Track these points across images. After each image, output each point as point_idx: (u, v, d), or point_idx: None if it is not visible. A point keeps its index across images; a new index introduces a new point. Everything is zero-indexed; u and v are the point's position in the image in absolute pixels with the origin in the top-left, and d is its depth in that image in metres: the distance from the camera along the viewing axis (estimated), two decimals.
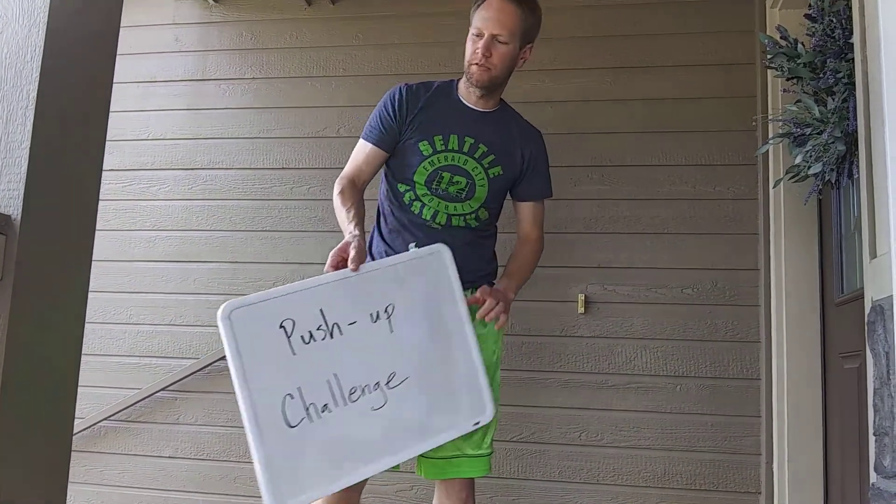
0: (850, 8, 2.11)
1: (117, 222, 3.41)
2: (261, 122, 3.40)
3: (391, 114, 2.23)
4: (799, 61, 2.44)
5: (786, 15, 2.78)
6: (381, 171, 2.31)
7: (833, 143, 2.27)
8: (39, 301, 1.40)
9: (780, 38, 2.52)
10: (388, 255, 2.16)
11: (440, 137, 2.22)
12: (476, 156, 2.23)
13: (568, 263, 3.06)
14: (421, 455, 2.07)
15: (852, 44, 2.10)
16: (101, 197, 1.64)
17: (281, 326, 1.69)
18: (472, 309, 2.04)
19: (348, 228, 2.04)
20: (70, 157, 1.50)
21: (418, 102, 2.24)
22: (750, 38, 3.04)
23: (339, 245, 1.94)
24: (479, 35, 2.18)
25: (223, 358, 3.13)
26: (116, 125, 3.17)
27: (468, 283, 2.11)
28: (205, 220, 3.36)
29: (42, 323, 1.42)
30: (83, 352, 1.56)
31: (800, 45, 2.47)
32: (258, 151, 3.38)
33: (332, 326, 1.73)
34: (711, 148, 3.03)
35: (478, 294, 2.06)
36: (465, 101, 2.27)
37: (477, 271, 2.24)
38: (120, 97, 3.26)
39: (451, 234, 2.19)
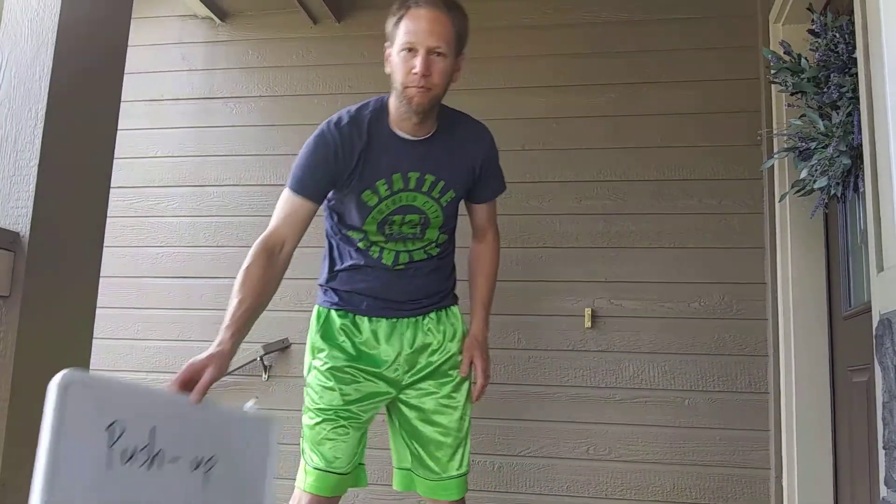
0: (854, 23, 2.12)
1: (125, 239, 3.43)
2: (267, 139, 3.42)
3: (325, 163, 1.98)
4: (803, 76, 2.44)
5: (789, 30, 2.79)
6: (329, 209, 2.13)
7: (838, 156, 2.27)
8: (47, 317, 1.41)
9: (784, 53, 2.52)
10: (342, 299, 2.07)
11: (383, 182, 1.98)
12: (424, 189, 2.02)
13: (575, 278, 3.06)
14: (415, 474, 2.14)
15: (856, 58, 2.10)
16: (108, 214, 1.66)
17: (108, 428, 1.30)
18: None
19: (220, 335, 1.71)
20: (78, 174, 1.51)
21: (354, 149, 1.97)
22: (753, 53, 3.05)
23: (198, 360, 1.66)
24: (412, 50, 1.89)
25: (230, 373, 3.15)
26: (124, 143, 3.16)
27: (432, 306, 2.11)
28: (212, 237, 3.38)
29: (50, 339, 1.43)
30: (91, 367, 1.57)
31: (803, 60, 2.47)
32: (265, 168, 3.39)
33: (157, 454, 1.38)
34: (717, 163, 3.03)
35: (466, 368, 2.11)
36: (399, 134, 2.00)
37: (438, 293, 2.14)
38: (128, 115, 3.27)
39: (416, 270, 2.10)
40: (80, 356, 1.53)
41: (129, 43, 1.68)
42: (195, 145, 3.49)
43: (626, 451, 2.92)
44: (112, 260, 3.30)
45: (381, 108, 2.03)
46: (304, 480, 2.02)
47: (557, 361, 3.01)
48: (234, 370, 3.16)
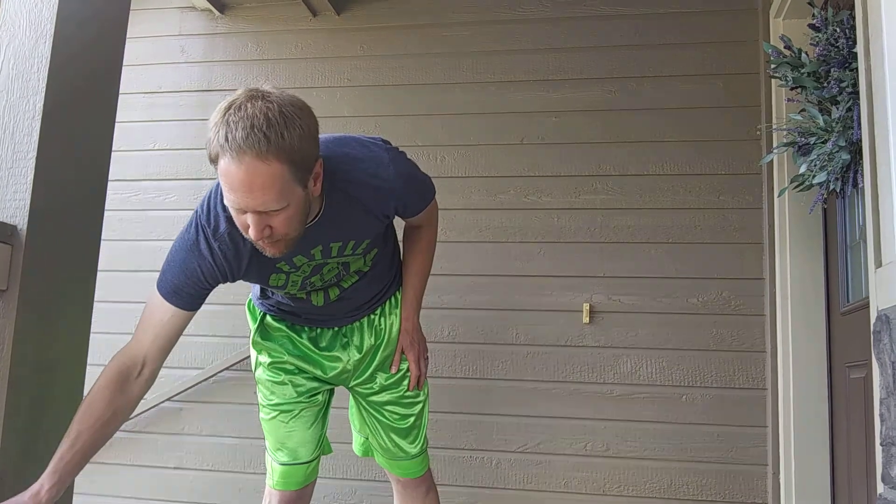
0: (854, 18, 2.12)
1: (123, 232, 3.42)
2: None
3: (207, 279, 1.71)
4: (803, 71, 2.44)
5: (789, 25, 2.78)
6: None
7: (837, 152, 2.26)
8: (45, 311, 1.41)
9: (784, 47, 2.52)
10: (279, 312, 1.95)
11: (284, 264, 1.73)
12: (334, 255, 1.78)
13: (573, 273, 3.05)
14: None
15: (856, 53, 2.10)
16: (107, 207, 1.65)
17: None
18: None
19: (40, 480, 1.38)
20: (77, 167, 1.51)
21: (241, 260, 1.69)
22: (754, 48, 3.04)
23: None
24: (239, 212, 1.50)
25: (228, 368, 3.15)
26: (122, 135, 3.17)
27: (377, 304, 1.99)
28: None
29: (48, 332, 1.42)
30: (88, 362, 1.57)
31: (804, 55, 2.47)
32: None
33: None
34: (716, 157, 3.03)
35: (396, 364, 1.99)
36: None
37: (384, 292, 2.01)
38: (126, 107, 3.27)
39: (353, 292, 1.92)
40: (77, 350, 1.53)
41: (128, 35, 1.67)
42: (193, 138, 3.48)
43: (624, 447, 2.92)
44: (110, 253, 3.29)
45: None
46: (272, 478, 2.02)
47: (555, 357, 3.01)
48: (233, 366, 3.16)
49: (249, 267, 1.70)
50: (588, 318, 3.00)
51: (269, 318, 1.99)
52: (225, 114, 1.46)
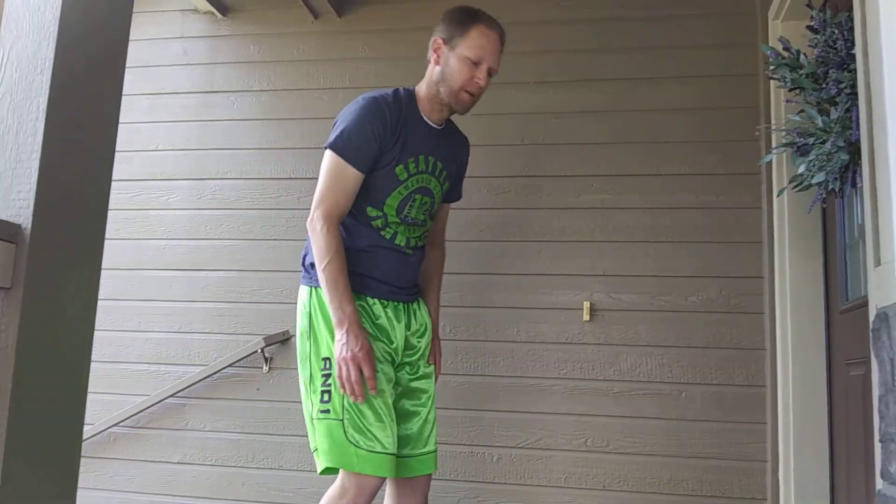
0: (853, 19, 2.13)
1: (127, 231, 3.45)
2: (268, 133, 3.44)
3: (377, 135, 2.12)
4: (801, 72, 2.45)
5: (788, 26, 2.79)
6: None
7: (836, 152, 2.28)
8: (49, 309, 1.42)
9: (783, 49, 2.53)
10: (355, 283, 2.13)
11: (413, 160, 2.20)
12: (436, 174, 2.27)
13: (573, 272, 3.07)
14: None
15: (854, 54, 2.11)
16: (110, 207, 1.67)
17: None
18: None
19: (347, 313, 2.02)
20: (80, 167, 1.53)
21: (397, 123, 2.16)
22: (752, 49, 3.05)
23: (349, 353, 1.99)
24: (478, 63, 2.18)
25: (232, 365, 3.18)
26: (126, 136, 3.20)
27: (417, 294, 2.32)
28: (213, 230, 3.40)
29: (52, 331, 1.44)
30: (93, 359, 1.59)
31: (802, 56, 2.48)
32: (266, 162, 3.41)
33: None
34: (715, 158, 3.04)
35: (434, 358, 2.32)
36: (427, 120, 2.26)
37: (418, 283, 2.35)
38: (129, 109, 3.30)
39: (417, 258, 2.31)
40: (81, 347, 1.54)
41: (131, 37, 1.69)
42: (196, 139, 3.51)
43: (624, 444, 2.94)
44: (114, 252, 3.32)
45: (411, 95, 2.25)
46: (357, 463, 2.01)
47: (556, 354, 3.03)
48: (236, 362, 3.18)
49: (398, 139, 2.14)
50: (588, 316, 3.02)
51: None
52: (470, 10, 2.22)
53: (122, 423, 3.26)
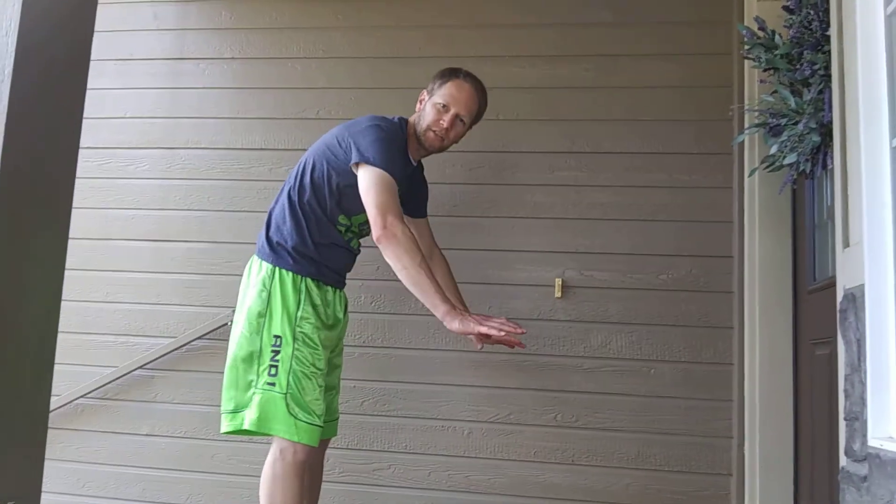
0: (828, 1, 2.14)
1: (95, 200, 3.39)
2: (239, 102, 3.39)
3: (401, 159, 2.47)
4: (776, 52, 2.46)
5: (763, 6, 2.80)
6: (318, 179, 2.46)
7: (808, 133, 2.30)
8: (16, 278, 1.40)
9: (758, 29, 2.54)
10: (318, 271, 2.43)
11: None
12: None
13: (546, 248, 3.08)
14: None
15: (829, 36, 2.13)
16: (78, 175, 1.64)
17: None
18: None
19: (451, 306, 2.32)
20: (46, 133, 1.49)
21: (402, 149, 2.52)
22: (728, 28, 3.06)
23: (479, 317, 2.31)
24: (445, 108, 2.49)
25: (200, 337, 3.15)
26: (94, 103, 3.13)
27: (344, 284, 2.61)
28: (183, 200, 3.35)
29: (18, 300, 1.42)
30: (59, 330, 1.56)
31: (777, 37, 2.49)
32: (237, 132, 3.36)
33: None
34: (688, 137, 3.05)
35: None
36: (410, 156, 2.58)
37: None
38: (97, 74, 3.23)
39: (356, 253, 2.65)
40: (48, 318, 1.52)
41: (100, 0, 1.65)
42: (166, 107, 3.44)
43: (593, 419, 2.97)
44: (81, 222, 3.27)
45: (404, 131, 2.55)
46: (301, 435, 2.26)
47: (527, 330, 3.03)
48: (206, 335, 3.16)
49: (402, 162, 2.48)
50: (560, 293, 3.03)
51: (309, 281, 2.40)
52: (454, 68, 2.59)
53: (89, 395, 3.22)
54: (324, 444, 2.56)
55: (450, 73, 2.54)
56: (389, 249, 2.27)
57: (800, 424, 2.70)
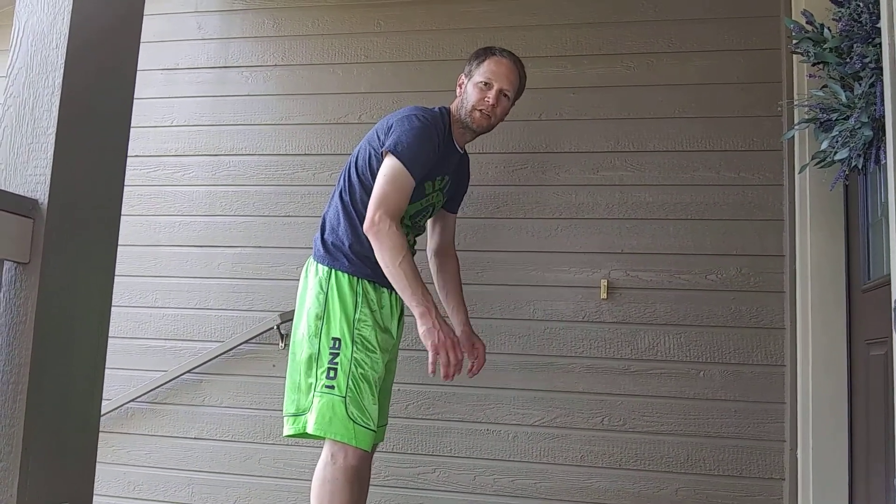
0: None
1: (142, 208, 3.45)
2: (283, 108, 3.42)
3: (430, 155, 2.38)
4: (825, 46, 2.41)
5: (812, 0, 2.74)
6: (363, 174, 2.45)
7: (860, 128, 2.24)
8: (66, 284, 1.42)
9: (806, 22, 2.49)
10: (374, 272, 2.37)
11: (439, 178, 2.49)
12: (444, 190, 2.57)
13: (591, 249, 3.05)
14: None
15: (879, 28, 2.07)
16: (126, 183, 1.67)
17: None
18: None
19: (431, 303, 2.27)
20: (96, 143, 1.52)
21: (440, 145, 2.43)
22: (775, 22, 3.00)
23: (449, 341, 2.23)
24: (488, 86, 2.46)
25: (248, 341, 3.19)
26: (141, 112, 3.19)
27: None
28: (229, 206, 3.39)
29: (69, 306, 1.44)
30: (109, 334, 1.59)
31: (826, 30, 2.43)
32: (281, 138, 3.40)
33: None
34: (736, 134, 3.00)
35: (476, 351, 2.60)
36: (455, 144, 2.54)
37: None
38: (144, 84, 3.29)
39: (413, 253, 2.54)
40: (99, 323, 1.54)
41: (145, 12, 1.68)
42: (211, 115, 3.50)
43: (641, 422, 2.93)
44: (130, 228, 3.33)
45: (446, 119, 2.50)
46: (354, 437, 2.25)
47: (573, 332, 3.02)
48: (252, 339, 3.19)
49: (440, 153, 2.42)
50: (606, 294, 3.00)
51: (366, 283, 2.39)
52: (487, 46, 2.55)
53: (139, 399, 3.28)
54: (374, 449, 2.55)
55: (485, 52, 2.52)
56: (374, 244, 2.27)
57: (854, 427, 2.63)
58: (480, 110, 2.46)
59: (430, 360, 2.24)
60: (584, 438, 2.96)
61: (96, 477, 1.56)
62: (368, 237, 2.28)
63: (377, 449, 2.64)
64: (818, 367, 2.71)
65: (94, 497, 1.53)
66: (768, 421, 2.85)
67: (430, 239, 2.73)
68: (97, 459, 1.57)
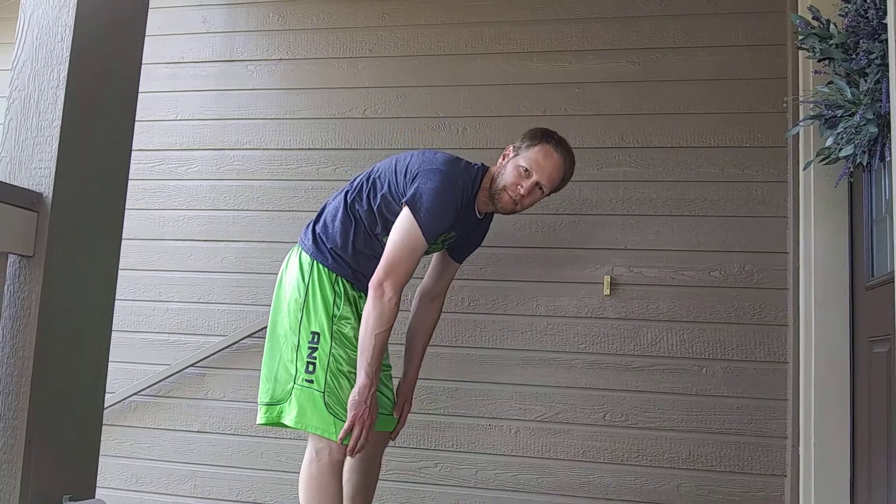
0: None
1: (146, 201, 3.45)
2: (287, 102, 3.42)
3: (450, 221, 2.32)
4: (831, 42, 2.40)
5: None
6: (373, 199, 2.40)
7: (865, 125, 2.23)
8: (71, 277, 1.43)
9: (812, 18, 2.48)
10: (354, 276, 2.40)
11: (449, 235, 2.42)
12: (446, 241, 2.50)
13: (594, 245, 3.05)
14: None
15: (886, 24, 2.06)
16: (130, 176, 1.67)
17: None
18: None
19: (377, 378, 2.28)
20: (100, 136, 1.52)
21: (462, 208, 2.35)
22: (781, 18, 2.99)
23: (371, 419, 2.24)
24: (528, 173, 2.35)
25: (251, 335, 3.19)
26: (145, 105, 3.19)
27: None
28: (232, 200, 3.40)
29: (73, 299, 1.45)
30: (113, 328, 1.59)
31: (832, 26, 2.43)
32: (285, 132, 3.40)
33: None
34: (741, 130, 2.99)
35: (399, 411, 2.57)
36: (476, 210, 2.46)
37: None
38: (148, 78, 3.29)
39: None
40: (103, 316, 1.55)
41: (150, 5, 1.68)
42: (215, 109, 3.50)
43: (643, 418, 2.93)
44: (134, 222, 3.34)
45: (477, 182, 2.41)
46: (335, 432, 2.25)
47: (575, 328, 3.02)
48: (255, 333, 3.20)
49: (455, 218, 2.33)
50: (609, 291, 3.00)
51: (346, 284, 2.39)
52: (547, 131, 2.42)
53: (142, 392, 3.29)
54: (382, 438, 2.55)
55: (542, 136, 2.39)
56: (370, 302, 2.25)
57: (857, 425, 2.63)
58: (510, 194, 2.36)
59: (345, 426, 2.22)
60: (586, 434, 2.96)
61: (99, 469, 1.56)
62: (370, 291, 2.26)
63: (388, 443, 2.63)
64: (821, 364, 2.71)
65: (97, 489, 1.53)
66: (770, 418, 2.85)
67: (426, 278, 2.65)
68: (100, 452, 1.57)
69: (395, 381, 2.63)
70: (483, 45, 3.25)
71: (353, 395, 2.23)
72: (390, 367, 2.61)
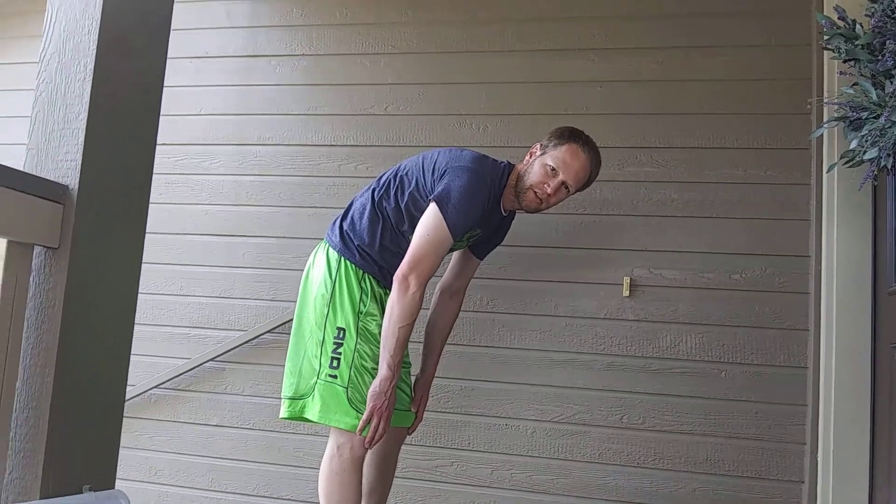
0: None
1: (170, 196, 3.48)
2: (310, 98, 3.43)
3: (476, 218, 2.34)
4: (857, 43, 2.37)
5: None
6: (400, 197, 2.42)
7: (890, 127, 2.21)
8: (95, 270, 1.44)
9: (838, 18, 2.45)
10: (381, 272, 2.43)
11: (473, 232, 2.44)
12: (471, 238, 2.51)
13: (614, 246, 3.03)
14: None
15: None
16: (154, 171, 1.68)
17: None
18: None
19: (398, 372, 2.30)
20: (125, 129, 1.53)
21: (487, 207, 2.38)
22: (806, 18, 2.96)
23: (388, 411, 2.25)
24: (555, 172, 2.38)
25: (271, 330, 3.21)
26: (169, 100, 3.19)
27: None
28: (255, 196, 3.41)
29: (97, 291, 1.46)
30: (136, 322, 1.61)
31: (858, 26, 2.40)
32: (307, 128, 3.41)
33: None
34: (764, 131, 2.97)
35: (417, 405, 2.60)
36: (501, 206, 2.49)
37: None
38: (173, 72, 3.30)
39: None
40: (126, 309, 1.56)
41: (175, 0, 1.69)
42: (238, 104, 3.52)
43: (661, 421, 2.92)
44: (157, 216, 3.33)
45: (504, 179, 2.44)
46: (355, 426, 2.27)
47: (594, 329, 3.01)
48: (275, 328, 3.21)
49: (481, 215, 2.36)
50: (628, 292, 2.99)
51: (372, 281, 2.42)
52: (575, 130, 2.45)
53: (162, 385, 3.31)
54: (400, 434, 2.57)
55: (569, 135, 2.42)
56: (395, 294, 2.26)
57: (877, 432, 2.60)
58: (536, 192, 2.39)
59: (364, 417, 2.24)
60: (603, 436, 2.95)
61: (119, 461, 1.58)
62: (394, 284, 2.27)
63: (405, 439, 2.64)
64: (842, 369, 2.68)
65: (116, 481, 1.55)
66: (789, 423, 2.83)
67: (446, 273, 2.67)
68: (120, 444, 1.59)
69: (414, 380, 2.64)
70: (505, 42, 3.25)
71: (374, 386, 2.25)
72: (410, 364, 2.62)
